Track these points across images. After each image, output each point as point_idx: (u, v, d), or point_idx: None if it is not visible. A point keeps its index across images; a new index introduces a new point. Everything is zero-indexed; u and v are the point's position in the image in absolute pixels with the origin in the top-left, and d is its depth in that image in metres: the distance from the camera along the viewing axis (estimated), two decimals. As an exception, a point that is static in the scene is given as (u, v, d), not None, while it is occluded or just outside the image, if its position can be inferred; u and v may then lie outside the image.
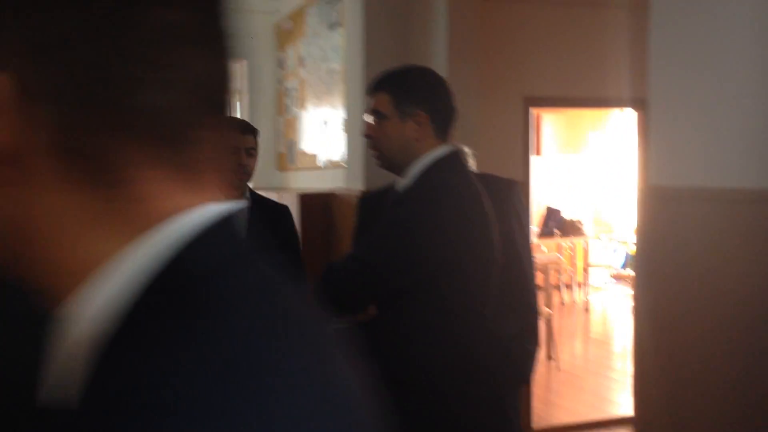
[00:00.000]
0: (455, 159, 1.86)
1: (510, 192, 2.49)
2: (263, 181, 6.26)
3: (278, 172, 6.13)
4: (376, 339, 1.80)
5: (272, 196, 4.79)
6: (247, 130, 2.81)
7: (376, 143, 1.89)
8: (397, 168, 1.89)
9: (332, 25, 4.70)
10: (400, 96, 1.83)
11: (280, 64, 6.02)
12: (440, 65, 3.54)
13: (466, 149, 3.05)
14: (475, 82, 3.59)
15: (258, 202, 2.88)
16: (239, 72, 6.59)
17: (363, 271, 1.72)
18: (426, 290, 1.74)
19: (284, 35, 5.91)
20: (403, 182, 1.86)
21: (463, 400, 1.80)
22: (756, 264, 1.86)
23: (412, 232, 1.72)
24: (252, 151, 2.79)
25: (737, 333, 1.92)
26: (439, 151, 1.83)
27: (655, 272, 2.24)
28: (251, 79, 6.20)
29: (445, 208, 1.72)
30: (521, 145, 4.39)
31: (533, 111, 4.59)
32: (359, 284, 1.74)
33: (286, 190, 5.58)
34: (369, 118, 1.89)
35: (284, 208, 2.97)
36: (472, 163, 3.07)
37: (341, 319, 1.84)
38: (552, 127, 10.42)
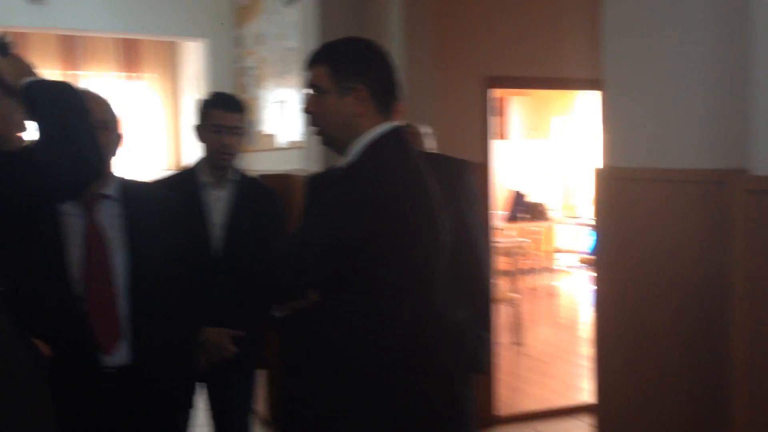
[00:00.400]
0: (397, 137, 1.74)
1: (461, 173, 2.40)
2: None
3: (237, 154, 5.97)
4: (317, 327, 1.71)
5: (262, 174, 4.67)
6: (232, 107, 2.66)
7: (315, 119, 1.77)
8: (338, 146, 1.78)
9: (289, 2, 4.55)
10: (339, 69, 1.71)
11: (238, 42, 5.85)
12: (395, 43, 3.42)
13: (424, 128, 2.96)
14: (433, 61, 3.48)
15: (248, 184, 2.75)
16: (200, 51, 6.41)
17: (296, 256, 1.61)
18: (365, 275, 1.63)
19: (242, 12, 5.73)
20: (342, 161, 1.74)
21: (409, 388, 1.71)
22: (709, 245, 1.79)
23: (346, 213, 1.61)
24: (237, 130, 2.64)
25: (692, 316, 1.85)
26: (381, 128, 1.72)
27: (613, 255, 2.17)
28: (211, 58, 6.03)
29: (383, 188, 1.61)
30: (480, 126, 4.28)
31: (497, 93, 4.49)
32: (293, 270, 1.62)
33: (247, 171, 5.43)
34: (308, 93, 1.77)
35: (272, 191, 2.83)
36: (430, 143, 2.98)
37: (282, 307, 1.74)
38: (518, 110, 10.37)
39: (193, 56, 6.45)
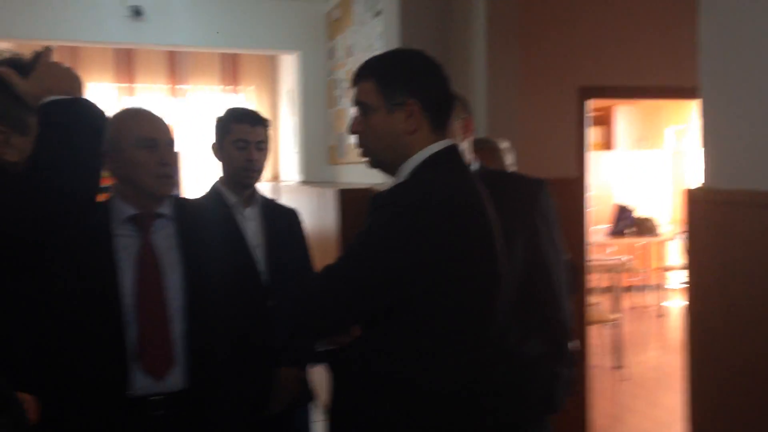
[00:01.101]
0: (451, 157, 1.58)
1: (537, 194, 2.20)
2: (314, 175, 6.11)
3: (329, 166, 5.95)
4: (360, 364, 1.57)
5: (323, 189, 4.63)
6: (257, 121, 2.50)
7: (363, 140, 1.63)
8: (387, 167, 1.64)
9: (377, 13, 4.47)
10: (387, 83, 1.56)
11: (331, 55, 5.84)
12: (478, 52, 3.26)
13: (504, 143, 2.77)
14: (520, 71, 3.28)
15: (269, 206, 2.62)
16: (291, 64, 6.45)
17: (327, 293, 1.48)
18: (410, 308, 1.48)
19: (334, 25, 5.72)
20: (392, 183, 1.60)
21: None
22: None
23: (388, 242, 1.46)
24: (262, 145, 2.49)
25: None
26: (434, 147, 1.57)
27: (706, 280, 1.94)
28: (304, 71, 6.05)
29: (430, 216, 1.45)
30: (575, 138, 4.02)
31: (602, 103, 4.22)
32: (327, 304, 1.50)
33: (336, 183, 5.40)
34: (355, 112, 1.64)
35: (293, 213, 2.72)
36: (509, 159, 2.79)
37: (323, 342, 1.62)
38: (626, 120, 9.86)
39: (290, 69, 6.51)
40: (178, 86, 7.30)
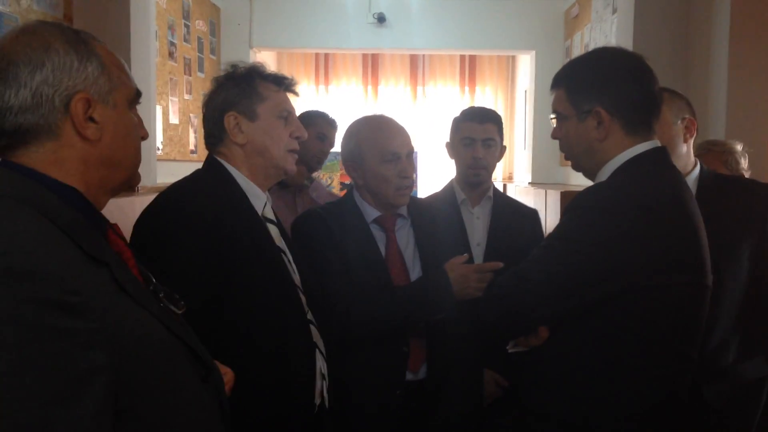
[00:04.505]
0: (651, 159, 1.52)
1: (766, 202, 2.02)
2: (544, 176, 6.05)
3: (559, 167, 5.86)
4: (550, 368, 1.57)
5: (552, 191, 4.57)
6: (484, 119, 2.50)
7: (563, 145, 1.65)
8: (589, 170, 1.63)
9: (615, 10, 4.33)
10: (575, 91, 1.55)
11: (567, 53, 5.73)
12: (720, 48, 3.04)
13: (738, 146, 2.56)
14: (767, 68, 3.00)
15: (503, 205, 2.57)
16: (527, 63, 6.44)
17: (524, 292, 1.50)
18: (602, 313, 1.46)
19: (572, 23, 5.61)
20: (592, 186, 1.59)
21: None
22: None
23: (578, 246, 1.45)
24: (490, 143, 2.48)
25: None
26: (632, 151, 1.52)
27: None
28: (539, 71, 6.01)
29: (624, 216, 1.41)
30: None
31: None
32: (519, 307, 1.52)
33: (566, 185, 5.30)
34: (553, 118, 1.65)
35: (532, 214, 2.63)
36: (743, 163, 2.57)
37: (514, 343, 1.64)
38: None
39: (527, 69, 6.50)
40: (419, 87, 7.62)
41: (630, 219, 1.42)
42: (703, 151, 2.42)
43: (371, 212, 2.06)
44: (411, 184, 2.03)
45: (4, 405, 0.77)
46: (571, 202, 1.52)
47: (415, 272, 2.04)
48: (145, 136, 1.16)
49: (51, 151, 0.99)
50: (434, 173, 6.82)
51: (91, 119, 1.01)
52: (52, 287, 0.82)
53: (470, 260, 2.43)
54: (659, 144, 1.56)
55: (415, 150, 2.15)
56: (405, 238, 2.08)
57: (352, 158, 2.05)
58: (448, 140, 2.60)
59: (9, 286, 0.80)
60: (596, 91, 1.53)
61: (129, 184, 1.16)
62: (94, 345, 0.84)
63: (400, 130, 2.07)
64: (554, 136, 1.65)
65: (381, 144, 2.00)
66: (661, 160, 1.54)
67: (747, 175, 2.46)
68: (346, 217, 2.04)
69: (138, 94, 1.12)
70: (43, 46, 0.98)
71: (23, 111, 0.97)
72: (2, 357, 0.78)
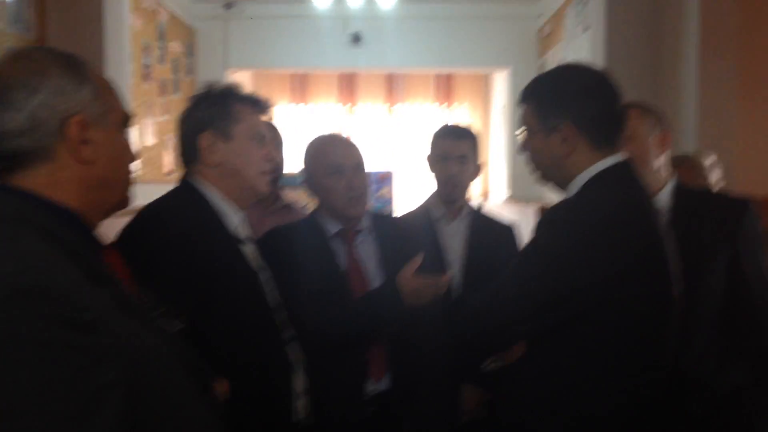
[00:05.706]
0: (616, 174, 1.54)
1: (741, 214, 2.05)
2: (522, 192, 6.09)
3: (537, 184, 5.90)
4: (526, 385, 1.58)
5: (524, 207, 4.63)
6: (459, 136, 2.50)
7: (530, 159, 1.66)
8: (557, 185, 1.65)
9: (586, 27, 4.40)
10: (542, 106, 1.57)
11: (541, 70, 5.81)
12: (689, 60, 3.09)
13: (709, 159, 2.60)
14: (738, 78, 3.06)
15: (480, 221, 2.58)
16: (503, 80, 6.51)
17: (499, 310, 1.51)
18: (575, 332, 1.47)
19: (545, 41, 5.69)
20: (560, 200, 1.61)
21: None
22: None
23: (548, 260, 1.46)
24: (464, 159, 2.47)
25: None
26: (600, 165, 1.54)
27: None
28: (513, 87, 6.08)
29: (592, 231, 1.43)
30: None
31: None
32: (494, 326, 1.52)
33: (543, 201, 5.35)
34: (521, 132, 1.67)
35: (507, 229, 2.61)
36: (714, 176, 2.61)
37: (489, 361, 1.65)
38: None
39: (502, 86, 6.57)
40: (395, 105, 7.67)
41: (595, 233, 1.44)
42: (676, 164, 2.46)
43: (332, 227, 2.08)
44: (360, 195, 2.05)
45: (21, 424, 0.77)
46: (542, 217, 1.54)
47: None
48: (134, 158, 1.17)
49: (47, 174, 0.99)
50: (411, 191, 6.84)
51: (86, 142, 1.02)
52: (64, 305, 0.83)
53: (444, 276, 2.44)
54: (626, 158, 1.58)
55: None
56: (367, 251, 2.10)
57: (306, 176, 2.12)
58: (428, 157, 2.60)
59: (21, 305, 0.81)
60: (562, 107, 1.55)
61: (121, 205, 1.17)
62: (107, 361, 0.85)
63: (344, 142, 2.11)
64: (521, 149, 1.67)
65: (324, 158, 2.06)
66: (626, 174, 1.56)
67: (720, 185, 2.50)
68: (307, 233, 2.07)
69: (127, 117, 1.14)
70: (39, 70, 0.99)
71: (20, 135, 0.97)
72: (18, 376, 0.78)
